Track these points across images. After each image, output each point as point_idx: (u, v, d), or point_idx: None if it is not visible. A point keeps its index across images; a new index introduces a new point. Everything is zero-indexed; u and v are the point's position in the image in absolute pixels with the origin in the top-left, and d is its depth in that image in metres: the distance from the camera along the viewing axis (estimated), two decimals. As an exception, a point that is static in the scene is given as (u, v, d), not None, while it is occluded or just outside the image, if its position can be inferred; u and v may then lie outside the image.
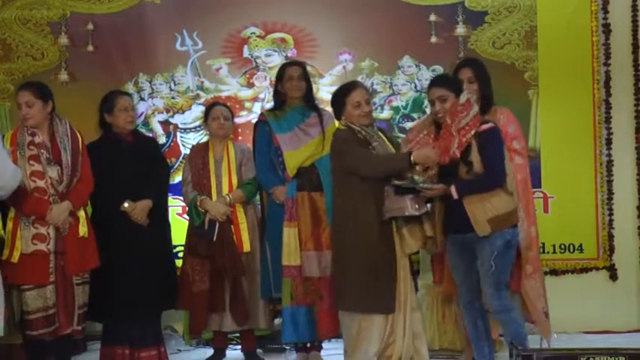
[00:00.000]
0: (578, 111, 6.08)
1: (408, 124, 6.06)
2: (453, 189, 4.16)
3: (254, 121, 5.57)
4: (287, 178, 4.97)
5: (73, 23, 6.20)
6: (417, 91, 6.10)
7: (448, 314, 5.03)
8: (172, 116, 6.22)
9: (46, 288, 4.44)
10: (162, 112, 6.22)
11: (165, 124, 6.21)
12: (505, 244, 4.18)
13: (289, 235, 4.88)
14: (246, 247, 5.05)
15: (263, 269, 5.04)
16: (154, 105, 6.21)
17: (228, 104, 5.62)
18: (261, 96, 6.18)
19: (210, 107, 5.32)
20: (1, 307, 4.09)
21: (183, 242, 5.19)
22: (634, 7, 6.09)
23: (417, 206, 4.23)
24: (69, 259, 4.50)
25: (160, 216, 4.95)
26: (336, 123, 5.21)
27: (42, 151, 4.50)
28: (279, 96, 5.12)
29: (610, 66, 6.08)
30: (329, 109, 5.64)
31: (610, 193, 6.05)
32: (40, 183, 4.45)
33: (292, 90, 5.03)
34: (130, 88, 6.08)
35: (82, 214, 4.60)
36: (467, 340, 4.68)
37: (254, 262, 5.08)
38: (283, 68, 5.14)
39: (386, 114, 6.13)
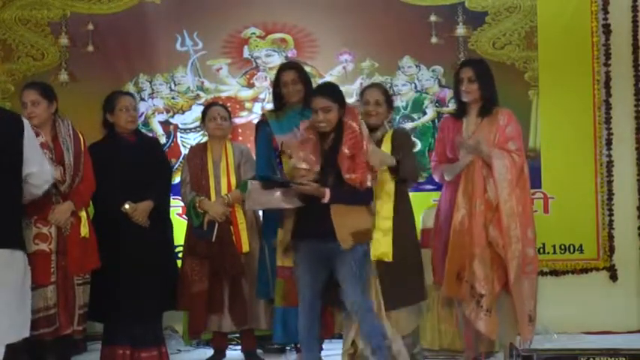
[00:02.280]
0: (579, 111, 6.08)
1: (409, 125, 6.08)
2: (327, 192, 4.21)
3: (254, 121, 5.59)
4: (284, 178, 4.96)
5: (74, 23, 6.21)
6: (417, 91, 6.10)
7: (448, 315, 5.01)
8: (172, 116, 6.22)
9: (47, 288, 4.45)
10: (163, 113, 6.23)
11: (165, 124, 6.22)
12: (363, 254, 4.33)
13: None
14: (245, 247, 5.05)
15: (260, 270, 5.04)
16: (154, 105, 6.21)
17: (228, 105, 5.63)
18: (262, 96, 6.18)
19: (207, 108, 5.33)
20: (28, 308, 4.10)
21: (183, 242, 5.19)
22: (634, 8, 6.09)
23: (289, 200, 4.28)
24: (71, 259, 4.51)
25: (161, 216, 4.96)
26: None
27: (45, 151, 4.50)
28: (278, 98, 5.11)
29: (610, 66, 6.07)
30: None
31: (610, 193, 6.05)
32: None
33: (289, 95, 5.02)
34: (130, 88, 6.08)
35: (83, 214, 4.61)
36: (466, 340, 4.69)
37: (253, 263, 5.08)
38: (278, 72, 5.12)
39: (386, 114, 6.12)
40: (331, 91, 4.40)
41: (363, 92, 4.81)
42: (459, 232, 4.56)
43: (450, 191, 4.72)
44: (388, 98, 4.74)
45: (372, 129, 4.60)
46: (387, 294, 4.53)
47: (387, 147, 4.60)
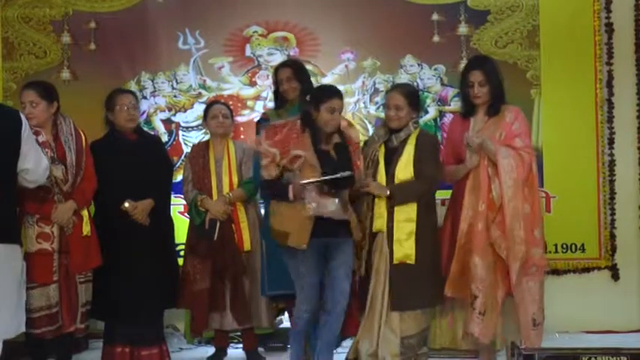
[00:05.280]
0: (581, 110, 6.07)
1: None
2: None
3: (256, 119, 5.58)
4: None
5: (76, 21, 6.21)
6: (419, 90, 6.08)
7: (453, 315, 4.95)
8: (174, 115, 6.22)
9: (49, 287, 4.46)
10: (165, 111, 6.23)
11: (167, 122, 6.22)
12: (353, 251, 4.56)
13: None
14: (247, 245, 5.05)
15: (262, 267, 5.04)
16: (156, 103, 6.21)
17: (230, 103, 5.63)
18: (264, 95, 6.18)
19: (209, 106, 5.33)
20: (23, 304, 4.11)
21: (185, 241, 5.19)
22: (637, 7, 6.08)
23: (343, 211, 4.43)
24: (73, 258, 4.52)
25: (162, 215, 4.96)
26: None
27: (46, 150, 4.50)
28: (278, 96, 5.13)
29: (613, 65, 6.06)
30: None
31: (612, 192, 6.04)
32: (45, 182, 4.44)
33: (285, 92, 5.06)
34: (132, 86, 6.09)
35: (85, 212, 4.62)
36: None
37: (255, 261, 5.09)
38: (275, 70, 5.18)
39: (388, 113, 6.11)
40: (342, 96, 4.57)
41: (386, 95, 4.80)
42: (466, 233, 4.52)
43: (458, 191, 4.68)
44: (411, 100, 4.67)
45: (396, 130, 4.63)
46: (398, 295, 4.52)
47: (410, 148, 4.60)
